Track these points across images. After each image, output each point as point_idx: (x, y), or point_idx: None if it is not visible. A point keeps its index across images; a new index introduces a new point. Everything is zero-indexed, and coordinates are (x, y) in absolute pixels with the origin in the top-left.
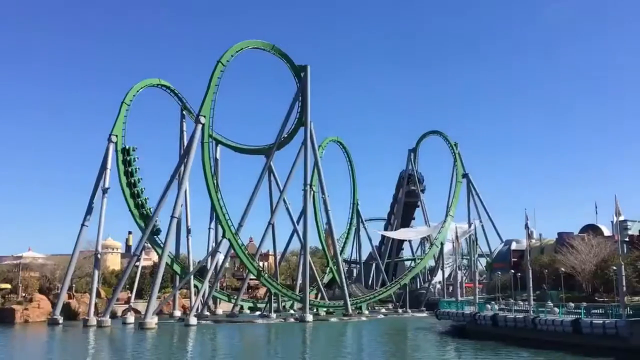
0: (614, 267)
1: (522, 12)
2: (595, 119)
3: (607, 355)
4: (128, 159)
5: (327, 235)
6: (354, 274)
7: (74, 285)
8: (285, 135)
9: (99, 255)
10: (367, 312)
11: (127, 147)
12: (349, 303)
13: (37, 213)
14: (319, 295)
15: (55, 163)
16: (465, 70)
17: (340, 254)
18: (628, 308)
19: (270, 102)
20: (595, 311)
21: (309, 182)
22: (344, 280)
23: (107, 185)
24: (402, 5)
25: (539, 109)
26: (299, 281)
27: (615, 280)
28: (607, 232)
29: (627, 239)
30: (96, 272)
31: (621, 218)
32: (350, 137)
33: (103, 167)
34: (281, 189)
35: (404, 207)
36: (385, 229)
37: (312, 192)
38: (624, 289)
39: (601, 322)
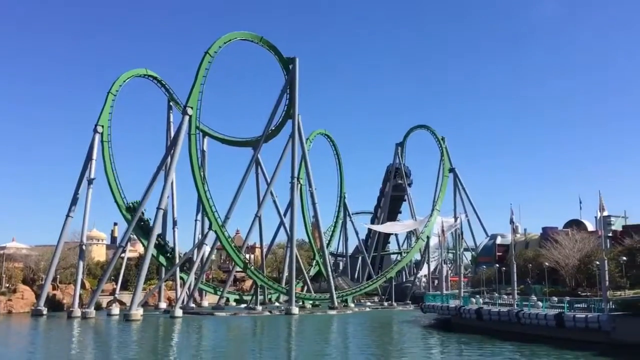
0: (597, 262)
1: (510, 10)
2: (581, 116)
3: (590, 349)
4: None
5: (313, 228)
6: (340, 267)
7: (58, 276)
8: (273, 128)
9: (83, 247)
10: (353, 305)
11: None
12: (335, 296)
13: (22, 203)
14: (305, 288)
15: (40, 153)
16: (454, 65)
17: (327, 247)
18: (610, 302)
19: (258, 94)
20: (578, 305)
21: (296, 174)
22: (330, 273)
23: (92, 176)
24: (391, 0)
25: (525, 106)
26: (285, 274)
27: (599, 275)
28: (590, 227)
29: (610, 234)
30: (81, 263)
31: (605, 213)
32: (338, 131)
33: (88, 157)
34: (268, 181)
35: (391, 201)
36: (372, 222)
37: (299, 185)
38: (607, 283)
39: (584, 316)
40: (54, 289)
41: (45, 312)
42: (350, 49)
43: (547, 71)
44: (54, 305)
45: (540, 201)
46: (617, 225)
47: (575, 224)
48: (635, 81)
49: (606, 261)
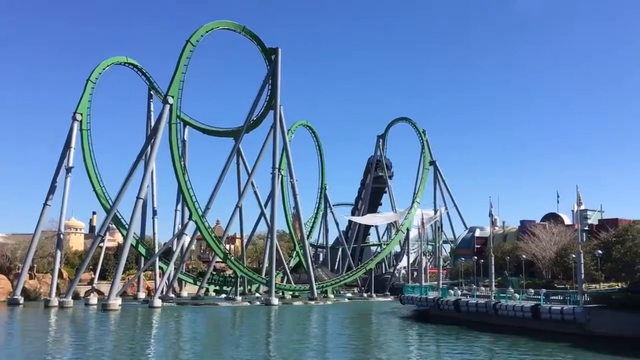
0: (574, 255)
1: (494, 2)
2: (559, 110)
3: (565, 340)
4: None
5: (294, 219)
6: (321, 258)
7: (35, 265)
8: (255, 118)
9: (61, 235)
10: (332, 296)
11: None
12: (314, 287)
13: None
14: (285, 279)
15: (17, 140)
16: (436, 59)
17: (307, 238)
18: (586, 295)
19: (241, 84)
20: (554, 298)
21: (277, 165)
22: (310, 264)
23: (71, 164)
24: None
25: (505, 101)
26: (266, 264)
27: (574, 268)
28: (567, 220)
29: (586, 228)
30: (58, 252)
31: (581, 207)
32: (320, 122)
33: (67, 145)
34: (249, 172)
35: (372, 193)
36: (353, 214)
37: (280, 175)
38: (582, 276)
39: (559, 308)
40: (30, 278)
41: (21, 301)
42: (333, 41)
43: (528, 65)
44: (31, 294)
45: (518, 195)
46: (593, 219)
47: (553, 218)
48: (613, 76)
49: (582, 254)
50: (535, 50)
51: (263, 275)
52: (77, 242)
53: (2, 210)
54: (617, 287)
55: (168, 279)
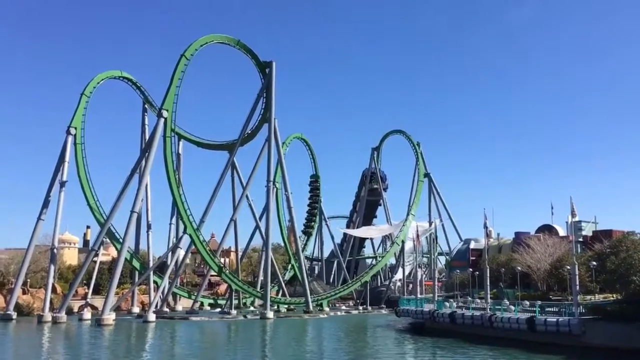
0: (568, 267)
1: (487, 12)
2: (554, 122)
3: (561, 352)
4: None
5: (289, 232)
6: (316, 271)
7: (28, 280)
8: (249, 132)
9: (55, 250)
10: (328, 309)
11: None
12: (310, 300)
13: None
14: (280, 292)
15: (11, 154)
16: (429, 70)
17: (302, 251)
18: (581, 307)
19: (235, 97)
20: (550, 309)
21: (272, 178)
22: (305, 277)
23: (65, 179)
24: (367, 3)
25: (499, 111)
26: (260, 278)
27: (569, 279)
28: (562, 232)
29: (581, 239)
30: (52, 267)
31: (576, 219)
32: (314, 135)
33: (61, 160)
34: (244, 185)
35: (367, 205)
36: (348, 226)
37: (275, 188)
38: (577, 288)
39: (555, 320)
40: (24, 293)
41: (14, 316)
42: (328, 53)
43: (522, 75)
44: (24, 309)
45: (513, 206)
46: (587, 230)
47: (547, 229)
48: (607, 85)
49: (577, 266)
50: (528, 59)
51: (258, 289)
52: (70, 257)
53: None
54: (612, 298)
55: (162, 293)
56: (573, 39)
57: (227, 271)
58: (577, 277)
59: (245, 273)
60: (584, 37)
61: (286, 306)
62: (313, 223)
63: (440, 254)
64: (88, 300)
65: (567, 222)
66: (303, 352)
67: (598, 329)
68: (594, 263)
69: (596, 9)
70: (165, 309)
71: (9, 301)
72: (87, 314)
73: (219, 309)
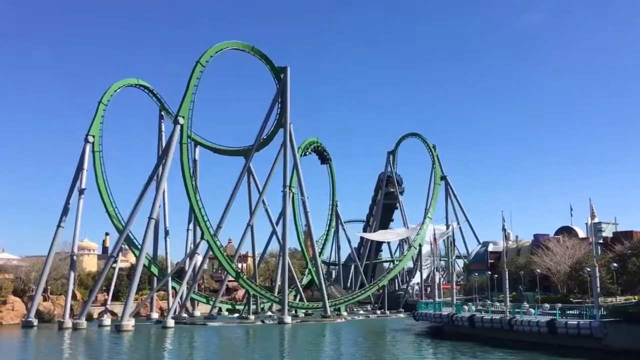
0: (589, 269)
1: (503, 16)
2: (573, 124)
3: (582, 355)
4: None
5: (306, 237)
6: (333, 276)
7: (49, 287)
8: (265, 137)
9: (74, 257)
10: (345, 313)
11: None
12: (327, 304)
13: (12, 214)
14: (298, 297)
15: (31, 163)
16: (444, 73)
17: (319, 255)
18: (602, 309)
19: (250, 103)
20: (570, 312)
21: (288, 183)
22: (322, 281)
23: (83, 186)
24: (381, 8)
25: (517, 113)
26: (278, 283)
27: (590, 282)
28: (581, 234)
29: (601, 241)
30: (72, 274)
31: (595, 220)
32: (330, 139)
33: (79, 167)
34: (260, 190)
35: (383, 209)
36: (364, 230)
37: (291, 193)
38: (598, 290)
39: (576, 322)
40: (44, 300)
41: (35, 323)
42: (343, 58)
43: (539, 77)
44: (45, 316)
45: (531, 208)
46: (607, 231)
47: (566, 231)
48: (623, 85)
49: (597, 268)
50: (545, 61)
51: (275, 294)
52: (90, 264)
53: (16, 233)
54: (633, 300)
55: (181, 298)
56: (587, 42)
57: (245, 276)
58: (597, 279)
59: (263, 278)
60: (597, 40)
61: (304, 311)
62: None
63: (458, 257)
64: (108, 306)
65: (586, 224)
66: (322, 358)
67: (620, 332)
68: (615, 265)
69: (610, 14)
70: (184, 315)
71: (30, 308)
72: (107, 320)
73: (237, 314)
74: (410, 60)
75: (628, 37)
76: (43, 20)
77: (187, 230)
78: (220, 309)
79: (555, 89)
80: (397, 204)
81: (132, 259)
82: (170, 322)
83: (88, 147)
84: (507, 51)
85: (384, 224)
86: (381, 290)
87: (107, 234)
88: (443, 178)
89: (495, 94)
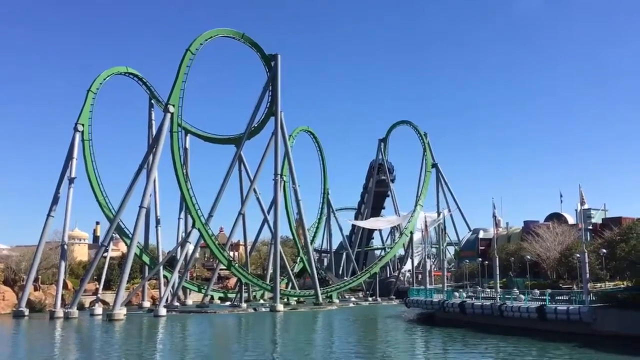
0: (578, 255)
1: (491, 4)
2: (560, 109)
3: (571, 340)
4: None
5: (297, 225)
6: (325, 263)
7: (39, 276)
8: (256, 125)
9: (65, 246)
10: (337, 301)
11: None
12: (319, 292)
13: (1, 203)
14: (290, 285)
15: (19, 152)
16: (435, 60)
17: (311, 243)
18: (591, 294)
19: (241, 91)
20: (560, 298)
21: (279, 171)
22: (314, 269)
23: (73, 175)
24: None
25: (505, 100)
26: (270, 271)
27: (579, 267)
28: (571, 220)
29: (590, 227)
30: (63, 263)
31: (585, 207)
32: (321, 127)
33: (69, 156)
34: (251, 178)
35: (374, 197)
36: (356, 218)
37: (282, 181)
38: (587, 275)
39: (565, 308)
40: (35, 289)
41: (26, 313)
42: (333, 45)
43: (528, 65)
44: (36, 306)
45: (521, 195)
46: (597, 218)
47: (556, 217)
48: (614, 74)
49: (586, 254)
50: (535, 50)
51: (267, 282)
52: (81, 253)
53: (6, 223)
54: (622, 285)
55: (173, 287)
56: (581, 30)
57: (236, 265)
58: (587, 265)
59: (255, 266)
60: (592, 29)
61: (296, 299)
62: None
63: (449, 244)
64: (99, 295)
65: (576, 210)
66: (314, 345)
67: (609, 317)
68: (604, 250)
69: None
70: (176, 303)
71: (20, 298)
72: (99, 309)
73: (229, 303)
74: (402, 47)
75: (623, 26)
76: (31, 7)
77: (179, 218)
78: (212, 297)
79: (544, 76)
80: (389, 192)
81: (123, 248)
82: (163, 311)
83: (77, 136)
84: (498, 38)
85: (376, 212)
86: (373, 278)
87: (97, 223)
88: (434, 165)
89: (485, 80)
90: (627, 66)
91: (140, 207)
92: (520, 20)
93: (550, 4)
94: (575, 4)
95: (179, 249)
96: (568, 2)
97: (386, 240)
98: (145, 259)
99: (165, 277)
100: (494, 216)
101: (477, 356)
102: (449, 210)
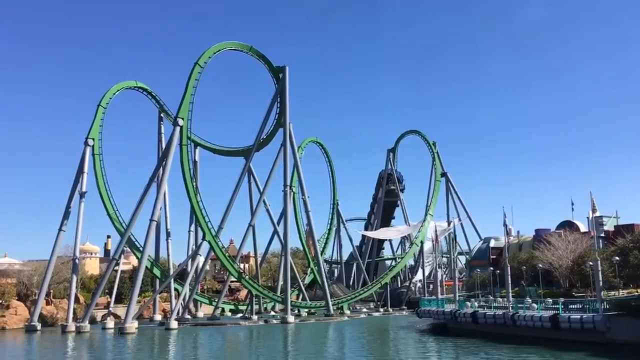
0: (591, 263)
1: (498, 13)
2: (571, 116)
3: (585, 349)
4: None
5: (307, 236)
6: (335, 274)
7: (51, 291)
8: (265, 137)
9: (77, 260)
10: (348, 312)
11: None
12: (330, 303)
13: (14, 219)
14: (301, 296)
15: (31, 167)
16: (443, 70)
17: (321, 254)
18: (605, 302)
19: (250, 103)
20: (573, 306)
21: (288, 183)
22: (325, 280)
23: (84, 189)
24: (380, 6)
25: (516, 109)
26: (280, 282)
27: (592, 276)
28: (583, 228)
29: (602, 235)
30: (74, 277)
31: (597, 214)
32: (330, 138)
33: (80, 171)
34: (261, 190)
35: (384, 207)
36: (366, 228)
37: (292, 193)
38: (601, 283)
39: (579, 317)
40: (47, 304)
41: (39, 327)
42: (341, 56)
43: (538, 72)
44: (48, 320)
45: (532, 203)
46: (609, 225)
47: (568, 225)
48: (624, 79)
49: (599, 261)
50: (543, 57)
51: (278, 293)
52: (92, 267)
53: (18, 238)
54: (636, 293)
55: (184, 300)
56: (586, 38)
57: (247, 277)
58: (599, 272)
59: (265, 278)
60: (596, 35)
61: (307, 310)
62: None
63: (460, 253)
64: (110, 309)
65: (588, 218)
66: (326, 357)
67: (623, 325)
68: (617, 258)
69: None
70: (187, 316)
71: (33, 312)
72: (110, 323)
73: (240, 315)
74: (409, 57)
75: (629, 30)
76: (42, 22)
77: (189, 231)
78: (223, 310)
79: (555, 84)
80: (398, 202)
81: (134, 261)
82: (174, 324)
83: (88, 150)
84: (506, 47)
85: (386, 222)
86: (384, 288)
87: (108, 236)
88: (443, 174)
89: (495, 88)
90: (635, 72)
91: (151, 220)
92: (525, 28)
93: (553, 10)
94: (578, 9)
95: (190, 261)
96: (574, 9)
97: (397, 250)
98: (156, 272)
99: (176, 289)
100: (505, 225)
101: None
102: (459, 219)
